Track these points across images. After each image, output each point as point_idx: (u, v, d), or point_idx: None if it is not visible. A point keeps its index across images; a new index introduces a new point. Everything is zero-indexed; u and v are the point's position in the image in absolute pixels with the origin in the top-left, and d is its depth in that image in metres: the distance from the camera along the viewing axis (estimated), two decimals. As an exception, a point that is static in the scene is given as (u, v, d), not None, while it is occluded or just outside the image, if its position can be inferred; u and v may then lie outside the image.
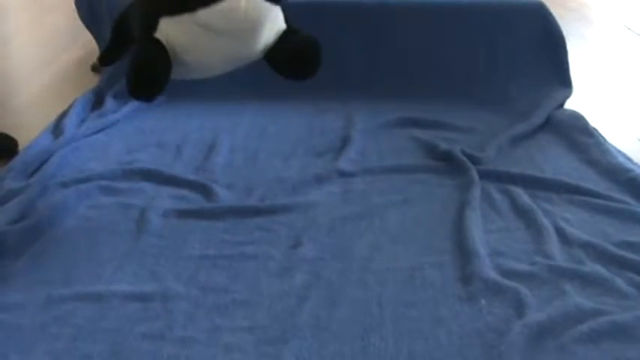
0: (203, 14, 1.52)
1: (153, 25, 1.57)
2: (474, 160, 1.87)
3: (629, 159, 1.91)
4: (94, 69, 2.65)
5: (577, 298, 1.34)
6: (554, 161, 1.91)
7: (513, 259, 1.48)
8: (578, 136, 2.03)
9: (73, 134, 2.01)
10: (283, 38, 1.67)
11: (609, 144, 1.98)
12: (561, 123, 2.12)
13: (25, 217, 1.60)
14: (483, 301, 1.35)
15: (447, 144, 1.96)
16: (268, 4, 1.58)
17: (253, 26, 1.58)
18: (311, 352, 1.22)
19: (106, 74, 2.41)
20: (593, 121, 2.11)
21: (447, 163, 1.89)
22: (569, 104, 2.28)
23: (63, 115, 2.16)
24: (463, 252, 1.49)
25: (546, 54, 2.40)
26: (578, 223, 1.61)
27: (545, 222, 1.59)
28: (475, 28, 2.40)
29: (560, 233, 1.56)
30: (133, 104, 2.21)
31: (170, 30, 1.56)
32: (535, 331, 1.25)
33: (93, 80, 2.51)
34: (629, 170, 1.81)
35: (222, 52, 1.63)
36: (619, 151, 1.95)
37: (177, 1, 1.55)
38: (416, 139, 2.04)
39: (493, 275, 1.41)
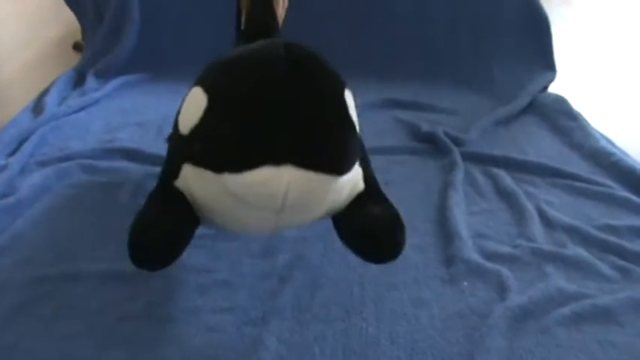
0: (230, 181, 1.07)
1: (175, 170, 1.18)
2: (457, 142, 1.87)
3: (612, 143, 1.91)
4: (76, 47, 2.63)
5: (559, 280, 1.34)
6: (538, 144, 1.91)
7: (496, 241, 1.48)
8: (562, 119, 2.03)
9: (54, 113, 1.99)
10: (357, 204, 1.23)
11: (592, 128, 1.98)
12: (545, 106, 2.12)
13: (5, 196, 1.58)
14: (465, 283, 1.35)
15: (430, 126, 1.96)
16: (327, 178, 1.09)
17: (300, 204, 1.13)
18: (292, 333, 1.22)
19: (88, 53, 2.40)
20: (577, 104, 2.11)
21: (430, 145, 1.89)
22: (553, 88, 2.28)
23: (44, 94, 2.14)
24: (445, 234, 1.49)
25: (530, 37, 2.40)
26: (561, 206, 1.61)
27: (528, 205, 1.59)
28: (459, 10, 2.39)
29: (543, 216, 1.56)
30: (114, 83, 2.20)
31: (193, 182, 1.16)
32: (517, 313, 1.25)
33: (74, 59, 2.49)
34: (611, 154, 1.81)
35: (259, 224, 1.20)
36: (602, 135, 1.95)
37: (199, 152, 1.13)
38: (399, 121, 2.04)
39: (475, 257, 1.41)
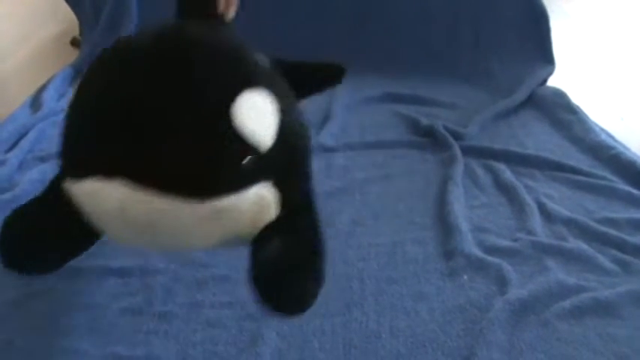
0: (70, 188, 0.93)
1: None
2: (457, 136, 1.87)
3: (612, 136, 1.91)
4: (74, 43, 2.62)
5: (559, 274, 1.34)
6: (537, 138, 1.91)
7: (496, 235, 1.48)
8: (561, 113, 2.03)
9: (52, 108, 1.98)
10: (260, 238, 1.00)
11: (592, 121, 1.98)
12: (544, 100, 2.11)
13: (4, 191, 1.58)
14: (465, 277, 1.34)
15: (429, 120, 1.95)
16: (176, 201, 0.88)
17: (152, 228, 0.92)
18: (292, 328, 1.21)
19: (86, 49, 2.39)
20: (576, 98, 2.11)
21: (430, 139, 1.89)
22: (552, 81, 2.28)
23: (41, 90, 2.13)
24: (445, 227, 1.49)
25: (529, 31, 2.39)
26: (561, 199, 1.61)
27: (528, 198, 1.59)
28: (458, 4, 2.39)
29: (543, 209, 1.56)
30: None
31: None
32: (517, 307, 1.24)
33: (72, 55, 2.48)
34: (611, 148, 1.80)
35: (137, 240, 1.01)
36: (602, 129, 1.94)
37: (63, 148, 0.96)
38: (398, 115, 2.03)
39: (475, 251, 1.40)
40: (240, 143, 0.91)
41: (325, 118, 1.98)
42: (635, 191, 1.62)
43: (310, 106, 2.05)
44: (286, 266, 0.99)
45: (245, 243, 1.01)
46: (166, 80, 0.90)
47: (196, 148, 0.87)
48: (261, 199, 0.96)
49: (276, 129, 0.97)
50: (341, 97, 2.11)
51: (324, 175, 1.71)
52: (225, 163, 0.90)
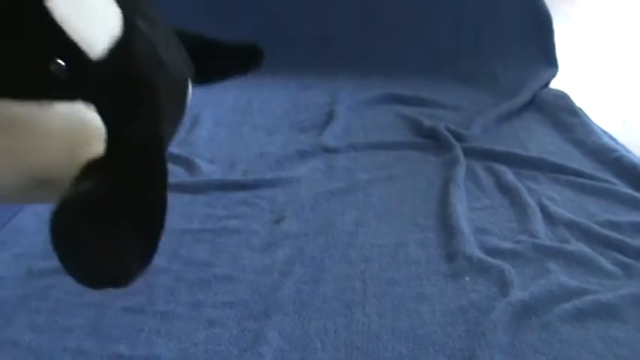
0: None
1: None
2: (459, 138, 1.87)
3: (614, 139, 1.90)
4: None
5: (561, 276, 1.33)
6: (540, 140, 1.91)
7: (498, 237, 1.47)
8: (564, 115, 2.03)
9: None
10: (78, 179, 0.78)
11: (594, 124, 1.98)
12: (547, 102, 2.11)
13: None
14: (467, 279, 1.34)
15: (431, 121, 1.96)
16: None
17: None
18: (294, 328, 1.21)
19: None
20: (579, 101, 2.11)
21: (432, 140, 1.89)
22: (555, 84, 2.28)
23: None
24: (447, 229, 1.49)
25: (532, 33, 2.40)
26: (563, 202, 1.61)
27: (530, 200, 1.59)
28: (462, 6, 2.39)
29: (545, 212, 1.56)
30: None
31: None
32: (519, 309, 1.24)
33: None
34: (613, 150, 1.80)
35: None
36: (604, 132, 1.94)
37: None
38: (401, 116, 2.04)
39: (477, 253, 1.40)
40: (52, 39, 0.75)
41: (328, 120, 1.99)
42: (637, 194, 1.62)
43: (313, 107, 2.07)
44: (97, 216, 0.76)
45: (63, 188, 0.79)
46: None
47: None
48: (79, 123, 0.78)
49: (115, 40, 0.80)
50: (343, 98, 2.12)
51: (326, 176, 1.71)
52: (24, 57, 0.74)
